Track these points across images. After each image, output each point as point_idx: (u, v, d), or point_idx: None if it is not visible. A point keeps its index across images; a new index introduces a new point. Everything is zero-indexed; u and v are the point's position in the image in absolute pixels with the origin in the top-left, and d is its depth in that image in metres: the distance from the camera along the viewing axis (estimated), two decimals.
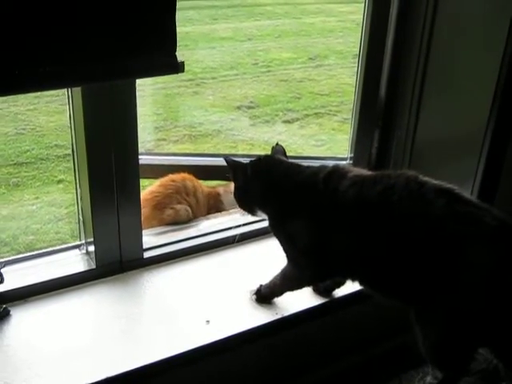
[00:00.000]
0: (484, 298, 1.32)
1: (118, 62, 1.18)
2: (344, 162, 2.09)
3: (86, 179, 1.53)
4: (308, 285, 1.58)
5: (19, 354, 1.37)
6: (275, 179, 1.51)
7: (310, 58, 5.49)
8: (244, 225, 1.84)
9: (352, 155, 2.08)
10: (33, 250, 1.69)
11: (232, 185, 1.64)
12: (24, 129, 3.86)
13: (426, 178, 1.39)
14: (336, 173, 1.46)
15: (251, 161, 1.56)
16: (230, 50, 5.47)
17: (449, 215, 1.32)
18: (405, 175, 1.40)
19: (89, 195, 1.54)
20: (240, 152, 3.86)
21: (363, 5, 1.92)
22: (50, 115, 4.02)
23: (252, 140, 4.02)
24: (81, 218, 1.65)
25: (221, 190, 2.20)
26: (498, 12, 1.70)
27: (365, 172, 1.49)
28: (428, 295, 1.38)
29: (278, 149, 1.62)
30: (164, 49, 1.18)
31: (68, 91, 1.51)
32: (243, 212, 1.60)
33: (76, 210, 1.68)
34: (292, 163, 1.56)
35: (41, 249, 1.71)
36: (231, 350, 1.49)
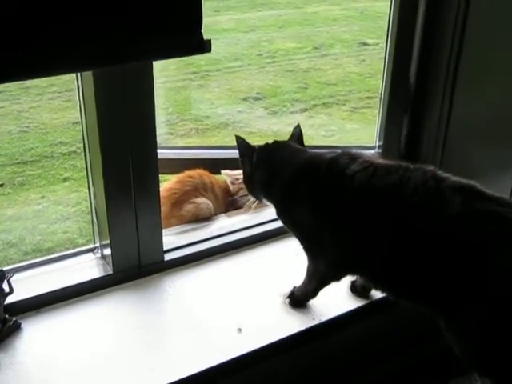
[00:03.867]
0: None
1: (137, 40, 1.06)
2: (372, 151, 1.98)
3: (100, 176, 1.42)
4: (331, 278, 1.43)
5: (34, 372, 1.26)
6: (277, 165, 1.44)
7: (315, 48, 5.41)
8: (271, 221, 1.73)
9: (381, 143, 1.97)
10: (43, 256, 1.58)
11: None
12: (27, 127, 3.83)
13: (446, 174, 1.29)
14: (344, 156, 1.37)
15: (259, 147, 1.49)
16: (233, 41, 5.40)
17: (468, 215, 1.22)
18: (422, 169, 1.30)
19: (104, 194, 1.42)
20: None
21: None
22: (54, 112, 4.00)
23: (260, 132, 3.94)
24: (94, 218, 1.53)
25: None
26: None
27: (379, 160, 1.38)
28: (452, 302, 1.26)
29: (296, 131, 1.53)
30: (189, 26, 1.05)
31: (78, 81, 1.39)
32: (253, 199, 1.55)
33: (89, 210, 1.56)
34: (299, 148, 1.47)
35: (51, 252, 1.60)
36: (267, 360, 1.38)
